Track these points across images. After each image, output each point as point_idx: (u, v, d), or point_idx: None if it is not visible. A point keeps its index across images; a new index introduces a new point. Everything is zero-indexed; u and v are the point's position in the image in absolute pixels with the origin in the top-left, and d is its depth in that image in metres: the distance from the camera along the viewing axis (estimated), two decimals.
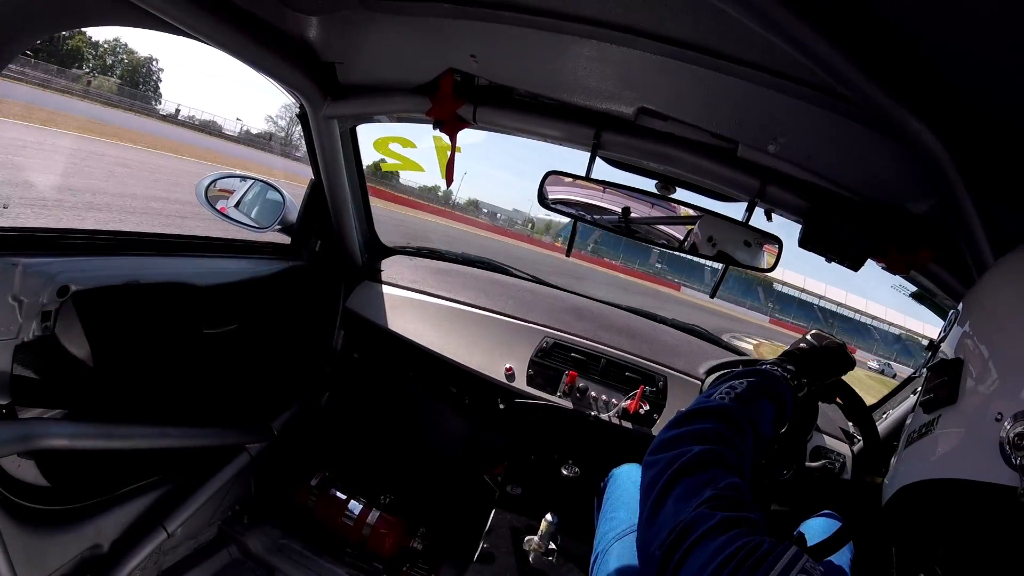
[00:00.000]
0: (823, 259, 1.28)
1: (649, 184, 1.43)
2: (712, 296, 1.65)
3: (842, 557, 1.14)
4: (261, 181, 1.82)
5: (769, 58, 0.94)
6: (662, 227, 1.42)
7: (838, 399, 1.13)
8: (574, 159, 1.46)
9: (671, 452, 0.68)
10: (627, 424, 1.64)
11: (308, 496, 1.85)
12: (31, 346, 1.09)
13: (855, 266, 1.26)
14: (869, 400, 1.28)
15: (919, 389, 1.44)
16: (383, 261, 2.11)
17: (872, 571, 1.09)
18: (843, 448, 1.63)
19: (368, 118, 1.56)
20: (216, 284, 1.52)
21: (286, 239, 1.87)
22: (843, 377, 1.08)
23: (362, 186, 1.85)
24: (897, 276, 1.28)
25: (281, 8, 1.16)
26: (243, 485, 1.78)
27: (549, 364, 1.77)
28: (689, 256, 1.45)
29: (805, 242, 1.27)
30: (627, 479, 1.32)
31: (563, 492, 1.67)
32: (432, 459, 2.10)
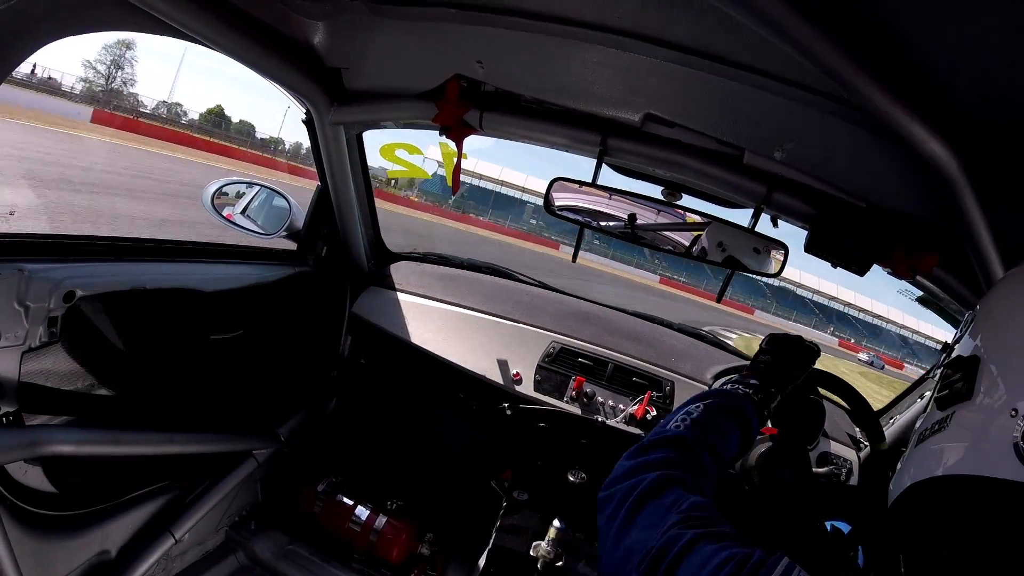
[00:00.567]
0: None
1: (655, 191, 1.43)
2: (718, 300, 1.65)
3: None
4: (268, 188, 1.83)
5: (776, 64, 0.95)
6: (669, 233, 1.42)
7: (823, 391, 1.12)
8: (581, 165, 1.46)
9: (627, 482, 0.68)
10: (634, 430, 1.64)
11: (315, 502, 1.85)
12: (37, 352, 1.10)
13: (861, 271, 1.26)
14: (876, 404, 1.27)
15: (926, 393, 1.43)
16: (389, 266, 2.11)
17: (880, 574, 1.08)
18: (850, 454, 1.62)
19: (374, 124, 1.56)
20: (222, 290, 1.53)
21: (292, 245, 1.88)
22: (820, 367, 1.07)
23: (368, 192, 1.86)
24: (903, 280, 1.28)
25: (287, 13, 1.16)
26: (250, 491, 1.78)
27: (556, 369, 1.77)
28: (696, 262, 1.45)
29: (811, 247, 1.27)
30: None
31: (570, 498, 1.67)
32: (439, 464, 2.09)
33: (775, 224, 1.39)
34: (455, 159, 1.43)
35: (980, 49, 0.72)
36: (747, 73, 0.98)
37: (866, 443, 1.65)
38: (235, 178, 1.76)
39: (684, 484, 0.65)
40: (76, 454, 1.21)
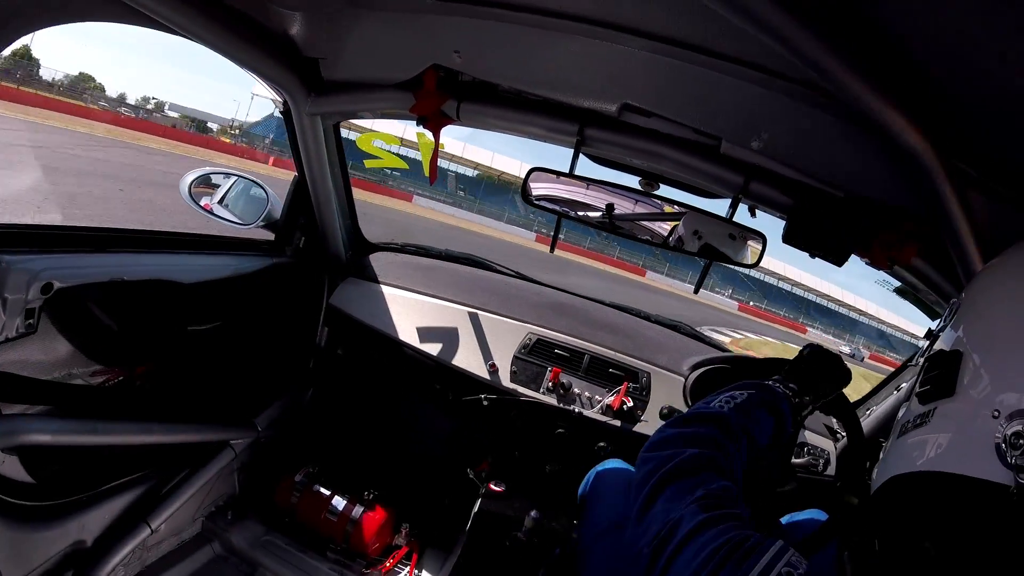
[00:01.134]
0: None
1: (633, 180, 1.42)
2: (696, 291, 1.64)
3: (826, 553, 1.15)
4: (245, 178, 1.81)
5: (752, 53, 0.95)
6: (646, 223, 1.41)
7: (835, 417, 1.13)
8: (558, 155, 1.46)
9: (665, 451, 0.70)
10: (611, 420, 1.65)
11: (292, 492, 1.84)
12: (14, 343, 1.09)
13: (839, 261, 1.26)
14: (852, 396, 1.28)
15: (904, 385, 1.42)
16: (367, 257, 2.10)
17: (855, 564, 1.09)
18: (827, 444, 1.64)
19: (352, 114, 1.55)
20: (200, 281, 1.52)
21: (270, 235, 1.87)
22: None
23: (346, 183, 1.84)
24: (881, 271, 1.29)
25: (264, 3, 1.14)
26: (227, 481, 1.78)
27: (533, 360, 1.77)
28: (674, 252, 1.45)
29: (789, 238, 1.27)
30: (609, 477, 1.32)
31: (546, 488, 1.67)
32: (416, 455, 2.10)
33: (753, 214, 1.38)
34: (432, 149, 1.42)
35: (958, 39, 0.72)
36: (723, 62, 0.98)
37: (843, 434, 1.66)
38: (209, 168, 1.74)
39: (718, 467, 0.67)
40: (53, 444, 1.21)
